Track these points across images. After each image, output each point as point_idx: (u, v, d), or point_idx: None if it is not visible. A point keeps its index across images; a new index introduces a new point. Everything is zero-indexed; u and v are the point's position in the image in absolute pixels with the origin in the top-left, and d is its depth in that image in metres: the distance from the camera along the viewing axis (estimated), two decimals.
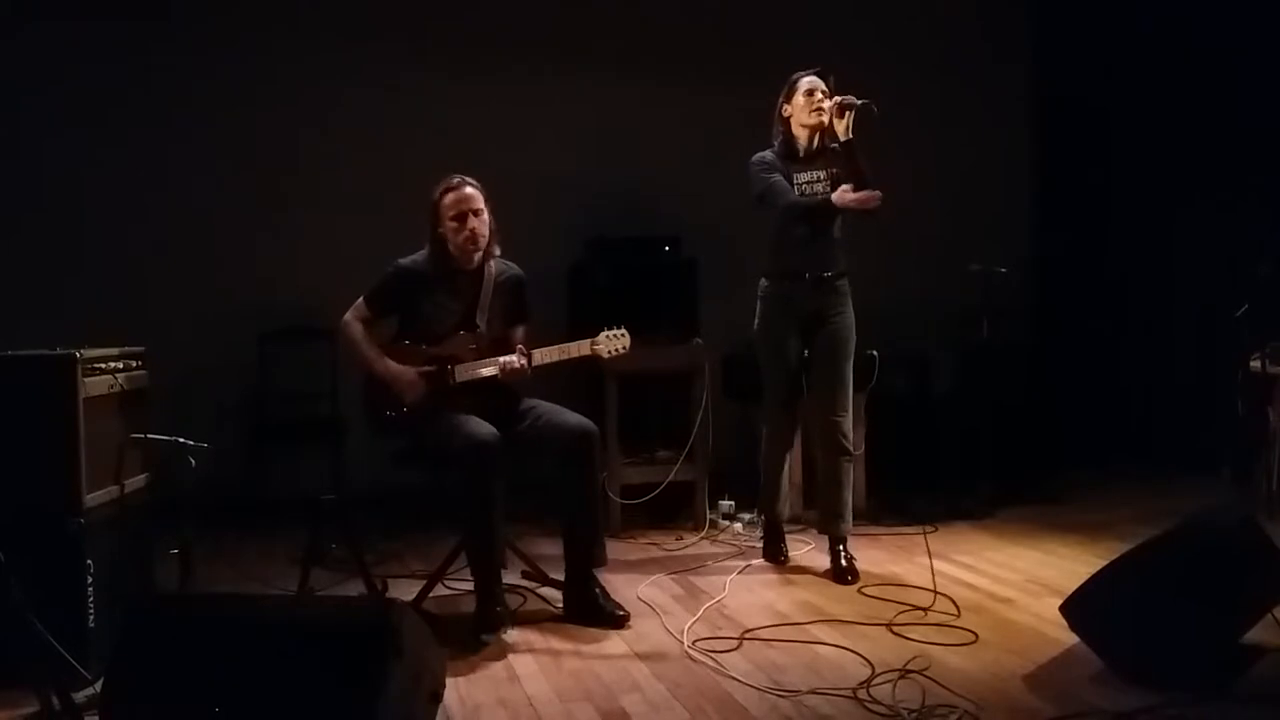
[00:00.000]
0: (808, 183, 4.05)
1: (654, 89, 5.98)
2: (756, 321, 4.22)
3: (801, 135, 4.08)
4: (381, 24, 5.63)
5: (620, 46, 5.94)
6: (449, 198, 3.67)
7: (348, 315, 3.75)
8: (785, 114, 4.11)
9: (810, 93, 4.02)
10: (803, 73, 4.09)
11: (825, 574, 4.12)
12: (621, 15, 5.96)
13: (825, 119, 3.99)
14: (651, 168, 5.82)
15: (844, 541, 4.15)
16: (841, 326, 4.13)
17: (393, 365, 3.65)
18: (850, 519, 4.19)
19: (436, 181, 5.33)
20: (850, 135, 3.89)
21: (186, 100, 5.39)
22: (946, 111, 6.40)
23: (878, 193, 3.87)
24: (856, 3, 6.31)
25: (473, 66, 5.74)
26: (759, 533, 4.54)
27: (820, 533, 4.31)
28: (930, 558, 3.94)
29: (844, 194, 3.88)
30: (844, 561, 4.09)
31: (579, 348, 3.63)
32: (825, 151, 4.07)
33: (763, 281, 4.21)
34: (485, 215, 3.69)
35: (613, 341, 3.60)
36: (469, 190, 3.67)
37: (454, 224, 3.65)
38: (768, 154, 4.12)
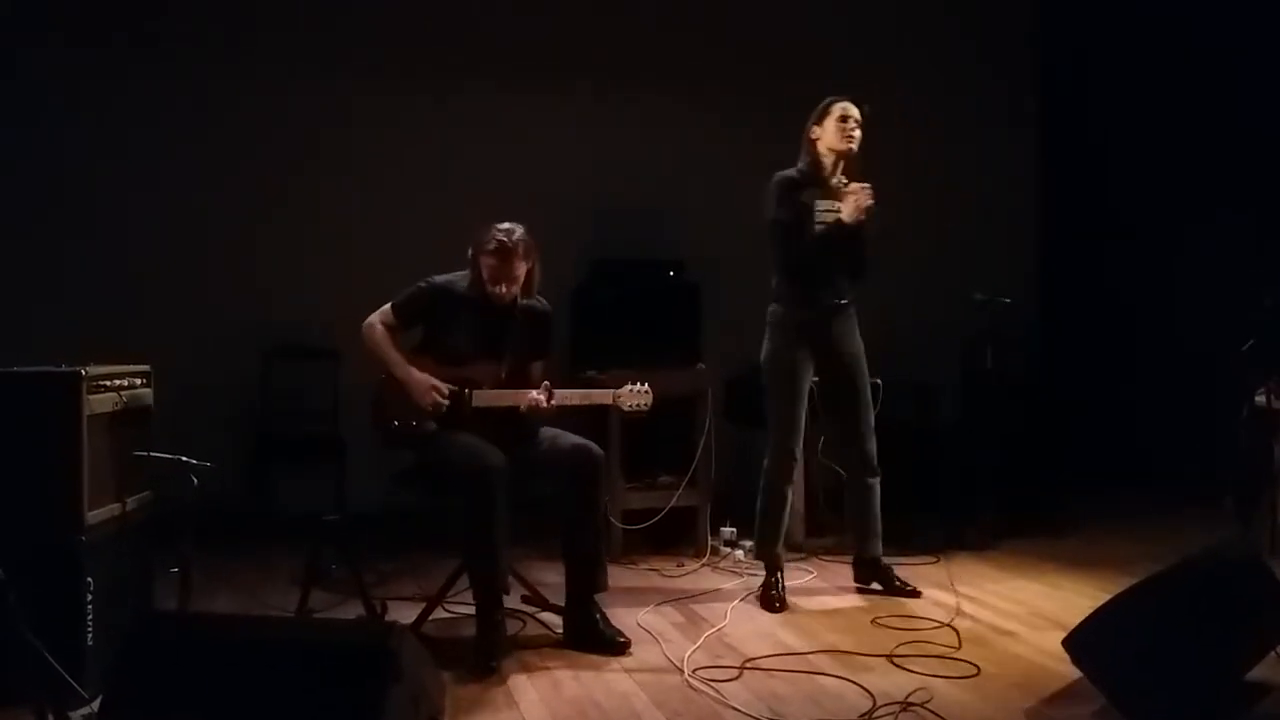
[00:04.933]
0: (826, 210, 4.00)
1: (660, 112, 6.01)
2: (768, 349, 4.15)
3: (828, 160, 4.02)
4: (386, 43, 5.67)
5: (626, 69, 5.97)
6: (491, 257, 3.61)
7: (373, 318, 3.75)
8: (814, 136, 4.04)
9: (844, 119, 3.98)
10: (836, 98, 4.04)
11: (882, 594, 4.19)
12: (626, 38, 5.99)
13: (854, 146, 3.98)
14: (656, 191, 5.83)
15: (880, 559, 4.23)
16: (858, 353, 4.15)
17: (414, 371, 3.65)
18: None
19: (439, 201, 5.37)
20: (856, 220, 3.91)
21: (188, 115, 5.40)
22: (951, 140, 6.43)
23: (866, 187, 3.91)
24: (862, 29, 6.35)
25: (478, 87, 5.77)
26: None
27: (858, 556, 4.30)
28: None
29: (852, 210, 3.90)
30: (898, 580, 4.19)
31: (601, 396, 3.69)
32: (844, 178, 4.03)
33: (774, 307, 4.14)
34: (520, 279, 3.68)
35: (635, 397, 3.64)
36: (514, 262, 3.63)
37: (489, 265, 3.64)
38: (793, 174, 4.06)
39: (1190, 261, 5.88)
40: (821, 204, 4.01)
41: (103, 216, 5.28)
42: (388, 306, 3.75)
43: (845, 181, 4.00)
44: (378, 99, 5.65)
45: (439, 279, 3.76)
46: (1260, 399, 4.64)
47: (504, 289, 3.65)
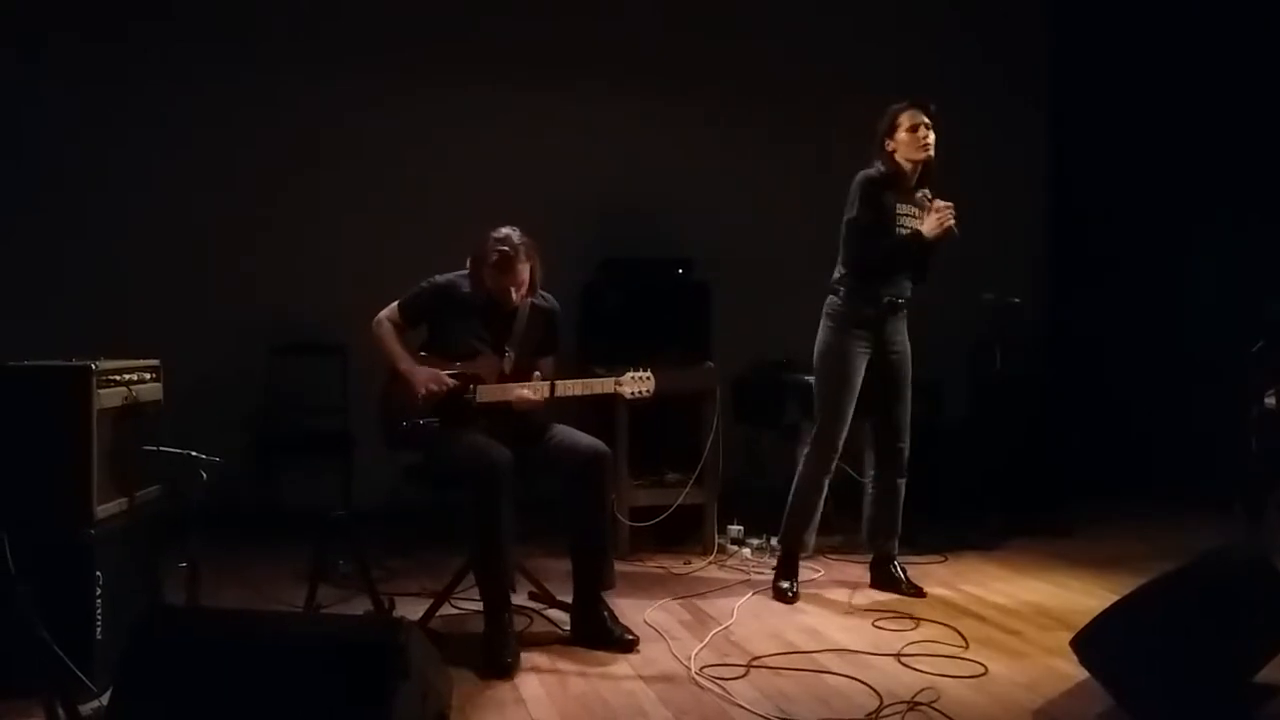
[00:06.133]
0: (905, 215, 4.03)
1: (670, 111, 6.01)
2: (826, 340, 4.12)
3: (908, 168, 4.03)
4: (393, 43, 5.66)
5: (636, 69, 5.97)
6: (494, 269, 3.62)
7: (380, 315, 3.79)
8: (890, 149, 4.05)
9: (914, 128, 4.00)
10: (900, 106, 4.05)
11: (891, 591, 4.19)
12: (636, 37, 5.99)
13: (931, 152, 4.00)
14: (664, 190, 5.83)
15: (895, 558, 4.27)
16: (906, 352, 4.18)
17: (416, 365, 3.68)
18: None
19: (448, 199, 5.36)
20: (935, 238, 3.95)
21: (194, 112, 5.41)
22: (962, 138, 6.37)
23: (949, 204, 3.94)
24: (872, 31, 6.33)
25: (486, 86, 5.76)
26: (769, 559, 4.51)
27: (876, 553, 4.30)
28: None
29: (934, 227, 3.94)
30: (905, 581, 4.20)
31: (603, 385, 3.66)
32: (925, 190, 4.05)
33: (834, 300, 4.12)
34: (526, 281, 3.68)
35: (637, 383, 3.62)
36: (518, 269, 3.63)
37: (495, 277, 3.65)
38: (875, 174, 4.05)
39: (1198, 263, 5.86)
40: (901, 208, 4.04)
41: (111, 212, 5.28)
42: (394, 305, 3.78)
43: (930, 196, 4.00)
44: (384, 98, 5.64)
45: (442, 278, 3.77)
46: (1269, 400, 4.62)
47: (514, 294, 3.67)
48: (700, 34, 6.07)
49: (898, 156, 4.04)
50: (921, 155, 4.01)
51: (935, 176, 4.09)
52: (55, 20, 5.23)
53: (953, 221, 3.93)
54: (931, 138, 4.00)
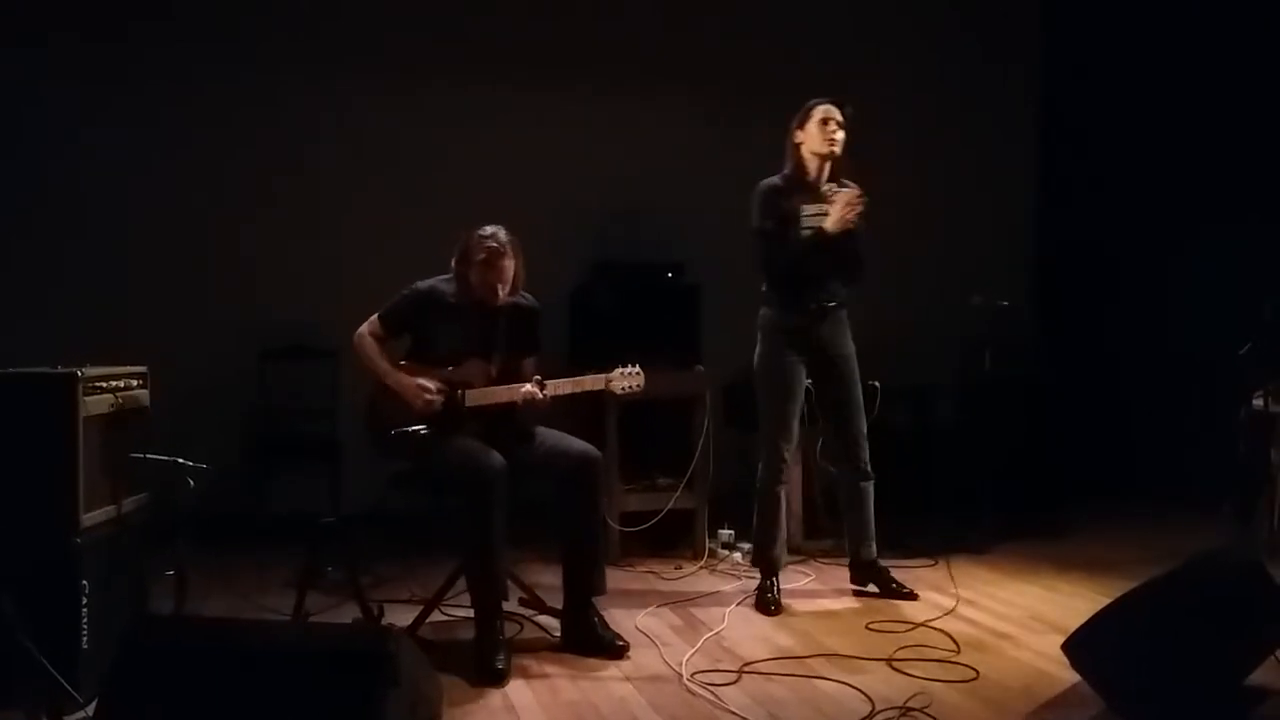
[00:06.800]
0: (813, 215, 3.97)
1: (661, 114, 5.99)
2: (760, 352, 4.13)
3: (812, 164, 4.01)
4: (387, 44, 5.64)
5: (627, 72, 5.96)
6: (482, 266, 3.59)
7: (361, 329, 3.73)
8: (797, 140, 4.03)
9: (825, 121, 3.97)
10: (818, 100, 4.02)
11: (878, 597, 4.17)
12: (628, 41, 5.97)
13: (837, 149, 3.97)
14: (655, 193, 5.80)
15: (876, 561, 4.22)
16: (849, 355, 4.13)
17: (404, 377, 3.63)
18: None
19: (439, 202, 5.33)
20: (840, 229, 3.89)
21: (186, 115, 5.38)
22: (950, 141, 6.42)
23: (857, 192, 3.91)
24: (863, 32, 6.33)
25: (478, 88, 5.74)
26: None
27: (854, 559, 4.27)
28: None
29: (836, 219, 3.88)
30: (894, 582, 4.18)
31: (594, 381, 3.64)
32: (834, 182, 4.02)
33: (764, 312, 4.13)
34: (510, 278, 3.65)
35: (627, 379, 3.61)
36: (504, 265, 3.61)
37: (482, 274, 3.62)
38: (777, 181, 4.04)
39: (1194, 264, 5.86)
40: (809, 209, 3.98)
41: (99, 217, 5.26)
42: (375, 317, 3.73)
43: (834, 188, 3.98)
44: (377, 100, 5.63)
45: (423, 284, 3.74)
46: (1258, 402, 4.63)
47: (500, 291, 3.64)
48: (700, 34, 6.06)
49: (804, 149, 4.01)
50: (826, 149, 3.97)
51: (840, 176, 4.05)
52: (55, 20, 5.21)
53: (858, 210, 3.88)
54: (840, 135, 3.97)
